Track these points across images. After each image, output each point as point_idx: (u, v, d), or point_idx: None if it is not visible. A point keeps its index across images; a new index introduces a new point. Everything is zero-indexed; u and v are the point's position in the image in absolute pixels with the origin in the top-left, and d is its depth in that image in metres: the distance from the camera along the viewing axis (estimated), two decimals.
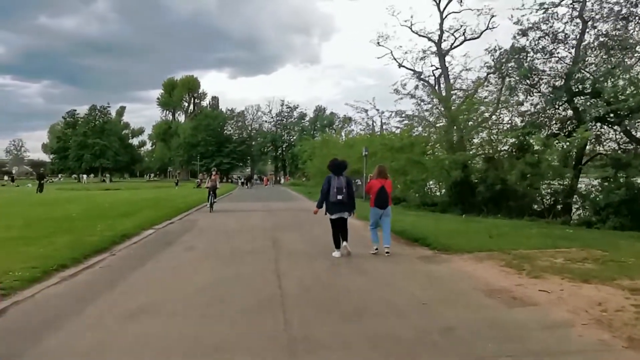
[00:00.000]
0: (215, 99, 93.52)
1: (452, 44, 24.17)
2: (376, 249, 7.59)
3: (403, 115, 21.74)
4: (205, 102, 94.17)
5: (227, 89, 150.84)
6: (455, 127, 20.52)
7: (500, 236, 9.27)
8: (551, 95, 15.73)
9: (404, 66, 25.55)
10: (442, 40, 24.13)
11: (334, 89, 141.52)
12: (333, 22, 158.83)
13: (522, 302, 4.74)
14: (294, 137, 76.17)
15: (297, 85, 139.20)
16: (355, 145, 29.74)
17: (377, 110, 26.89)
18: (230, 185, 56.33)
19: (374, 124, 28.25)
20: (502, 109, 18.73)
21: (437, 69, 23.88)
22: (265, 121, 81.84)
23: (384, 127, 26.86)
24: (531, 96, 17.16)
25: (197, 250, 8.44)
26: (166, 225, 12.29)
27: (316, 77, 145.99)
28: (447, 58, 24.33)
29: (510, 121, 18.48)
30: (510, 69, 17.33)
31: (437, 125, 20.60)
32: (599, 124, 16.25)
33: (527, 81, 16.72)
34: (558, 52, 16.75)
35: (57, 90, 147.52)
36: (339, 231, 7.47)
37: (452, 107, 20.94)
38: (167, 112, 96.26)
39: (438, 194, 21.93)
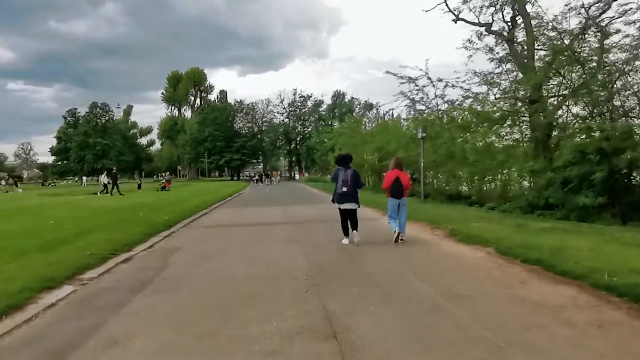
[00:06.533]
0: (223, 92, 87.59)
1: None
2: (396, 232, 7.45)
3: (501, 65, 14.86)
4: (212, 97, 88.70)
5: (237, 87, 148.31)
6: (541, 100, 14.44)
7: None
8: None
9: (462, 19, 19.04)
10: None
11: (344, 82, 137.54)
12: (340, 16, 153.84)
13: None
14: (309, 129, 70.14)
15: (307, 80, 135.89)
16: (395, 130, 23.58)
17: (429, 79, 20.02)
18: (240, 183, 50.75)
19: (428, 99, 21.22)
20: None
21: (515, 16, 17.26)
22: (277, 113, 75.77)
23: (439, 100, 20.26)
24: None
25: None
26: (110, 269, 6.38)
27: (325, 71, 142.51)
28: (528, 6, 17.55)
29: None
30: None
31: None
32: None
33: None
34: None
35: (69, 94, 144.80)
36: (347, 220, 7.66)
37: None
38: (173, 108, 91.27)
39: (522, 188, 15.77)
